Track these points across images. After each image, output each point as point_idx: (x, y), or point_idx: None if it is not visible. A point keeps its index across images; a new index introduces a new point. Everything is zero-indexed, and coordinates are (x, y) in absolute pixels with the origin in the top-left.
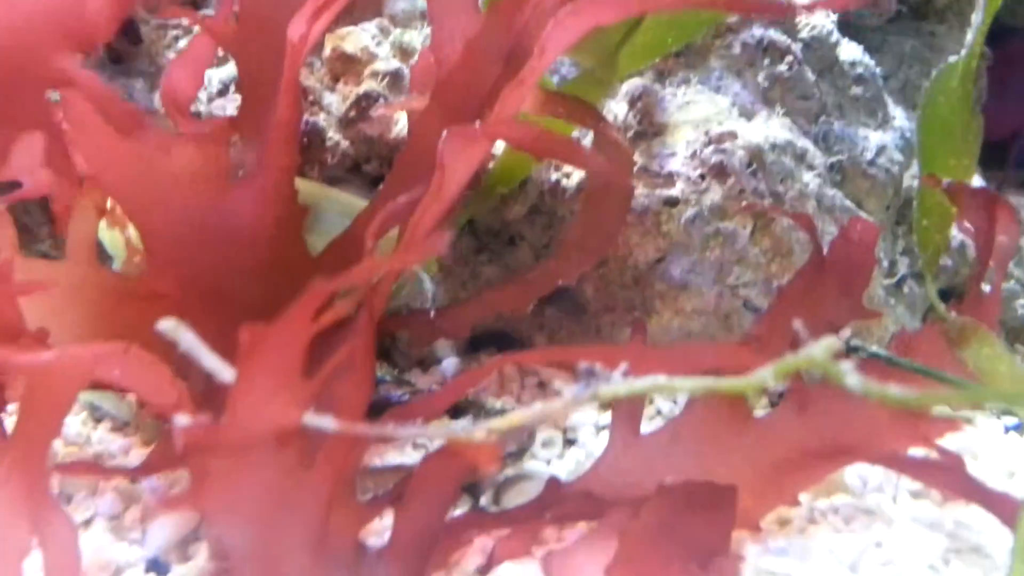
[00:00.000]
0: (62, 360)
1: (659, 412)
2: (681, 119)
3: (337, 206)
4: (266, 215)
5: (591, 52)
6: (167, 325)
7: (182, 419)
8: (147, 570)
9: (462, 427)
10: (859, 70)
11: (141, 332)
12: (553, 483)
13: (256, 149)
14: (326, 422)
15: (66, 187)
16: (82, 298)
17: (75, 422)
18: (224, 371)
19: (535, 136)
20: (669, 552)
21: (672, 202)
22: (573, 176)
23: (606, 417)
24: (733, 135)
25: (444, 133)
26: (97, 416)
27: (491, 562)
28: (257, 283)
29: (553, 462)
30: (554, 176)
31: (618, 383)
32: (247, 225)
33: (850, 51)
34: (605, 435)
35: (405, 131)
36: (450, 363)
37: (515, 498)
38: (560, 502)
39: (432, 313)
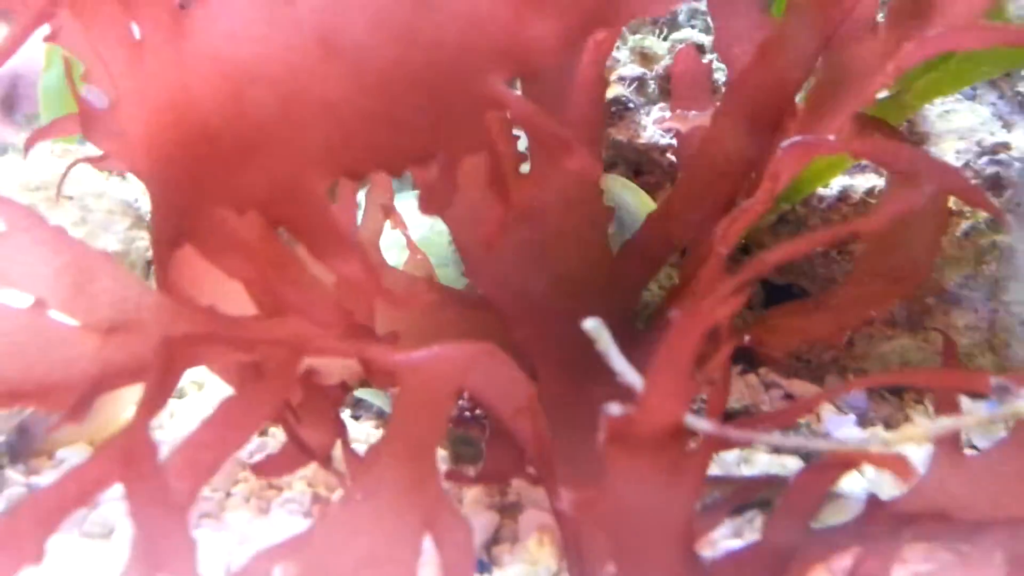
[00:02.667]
0: (438, 359)
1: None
2: (943, 128)
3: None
4: (572, 216)
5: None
6: (591, 324)
7: (615, 407)
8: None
9: (852, 440)
10: None
11: (466, 337)
12: (874, 502)
13: (555, 149)
14: (705, 424)
15: (500, 209)
16: (409, 303)
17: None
18: (633, 376)
19: (909, 157)
20: None
21: None
22: (832, 186)
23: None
24: (1007, 146)
25: (788, 142)
26: (356, 413)
27: None
28: (562, 280)
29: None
30: None
31: None
32: (553, 224)
33: None
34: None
35: (655, 136)
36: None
37: (832, 516)
38: (887, 522)
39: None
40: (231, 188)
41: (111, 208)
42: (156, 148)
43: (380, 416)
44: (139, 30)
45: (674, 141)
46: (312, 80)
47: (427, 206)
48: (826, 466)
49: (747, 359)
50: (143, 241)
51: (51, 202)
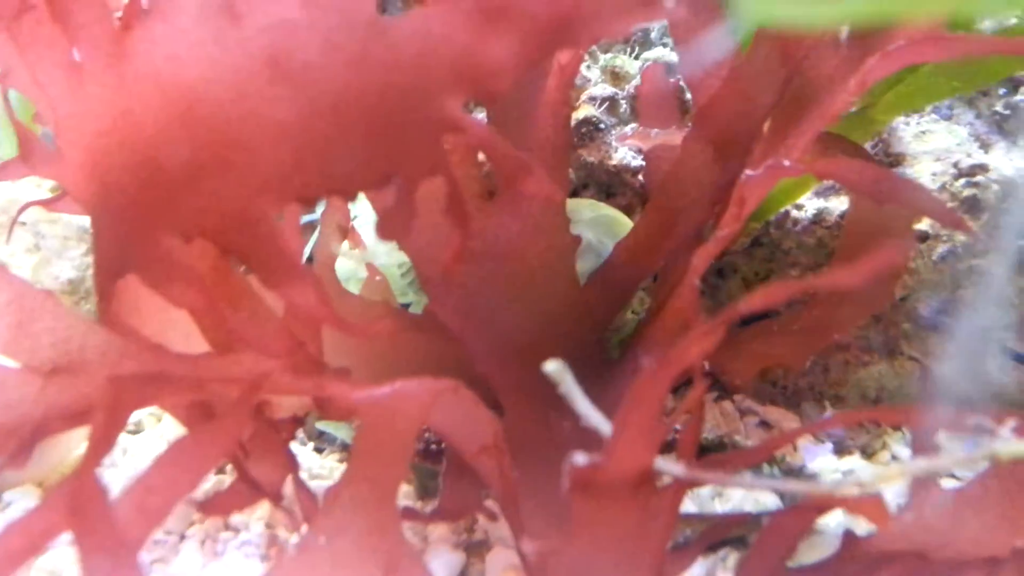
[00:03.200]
0: (401, 397)
1: (895, 458)
2: (919, 149)
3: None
4: (537, 244)
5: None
6: (553, 367)
7: (580, 457)
8: None
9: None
10: None
11: (425, 367)
12: (850, 539)
13: (514, 173)
14: (676, 468)
15: (458, 236)
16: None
17: (301, 451)
18: (600, 420)
19: (875, 177)
20: None
21: (921, 237)
22: (807, 208)
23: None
24: (984, 168)
25: (756, 170)
26: (319, 446)
27: None
28: (528, 311)
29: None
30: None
31: (1014, 443)
32: (517, 253)
33: None
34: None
35: (626, 157)
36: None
37: (808, 553)
38: (863, 560)
39: None
40: (177, 214)
41: (66, 234)
42: (97, 173)
43: (344, 449)
44: (78, 52)
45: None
46: (261, 103)
47: (385, 232)
48: (803, 509)
49: (721, 385)
50: None
51: (3, 228)
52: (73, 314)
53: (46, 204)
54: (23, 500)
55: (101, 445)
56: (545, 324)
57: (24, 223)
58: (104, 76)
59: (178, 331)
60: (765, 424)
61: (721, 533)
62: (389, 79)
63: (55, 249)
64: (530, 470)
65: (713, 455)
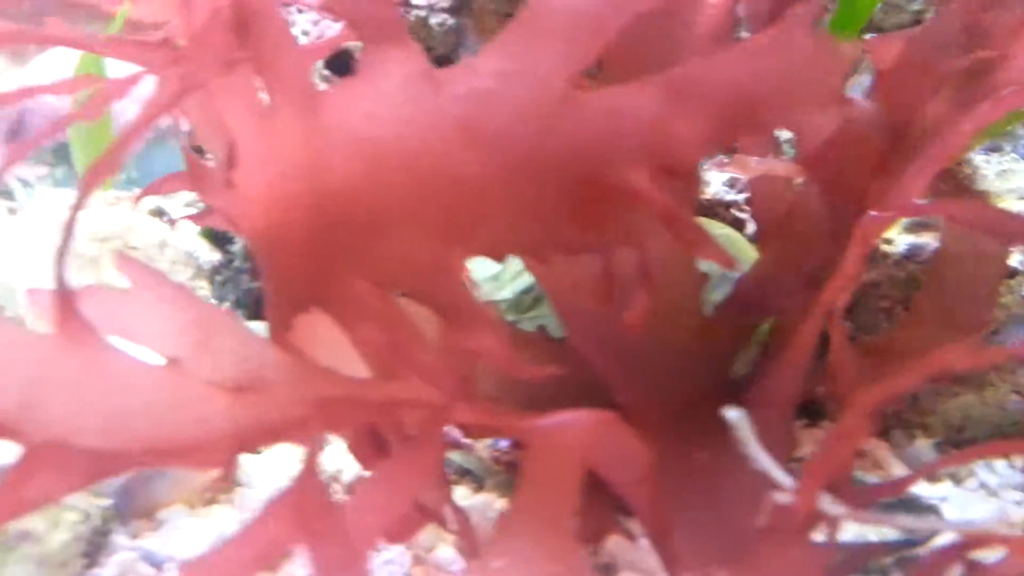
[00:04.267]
0: (568, 427)
1: (983, 485)
2: (1002, 188)
3: None
4: (670, 278)
5: None
6: (733, 415)
7: (783, 496)
8: None
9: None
10: None
11: (567, 397)
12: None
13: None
14: (839, 509)
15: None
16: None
17: None
18: (780, 475)
19: (992, 217)
20: None
21: (1010, 273)
22: (897, 243)
23: None
24: None
25: (879, 210)
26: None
27: None
28: (664, 348)
29: None
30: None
31: None
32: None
33: None
34: None
35: (719, 191)
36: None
37: None
38: None
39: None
40: (365, 259)
41: (174, 259)
42: (276, 211)
43: (460, 473)
44: (272, 99)
45: (738, 197)
46: (453, 162)
47: (587, 300)
48: (960, 546)
49: (809, 412)
50: (204, 291)
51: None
52: (251, 334)
53: (197, 219)
54: (177, 519)
55: (311, 462)
56: (675, 356)
57: (136, 247)
58: (296, 124)
59: (339, 355)
60: (858, 452)
61: (863, 561)
62: (577, 149)
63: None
64: (673, 502)
65: (842, 487)
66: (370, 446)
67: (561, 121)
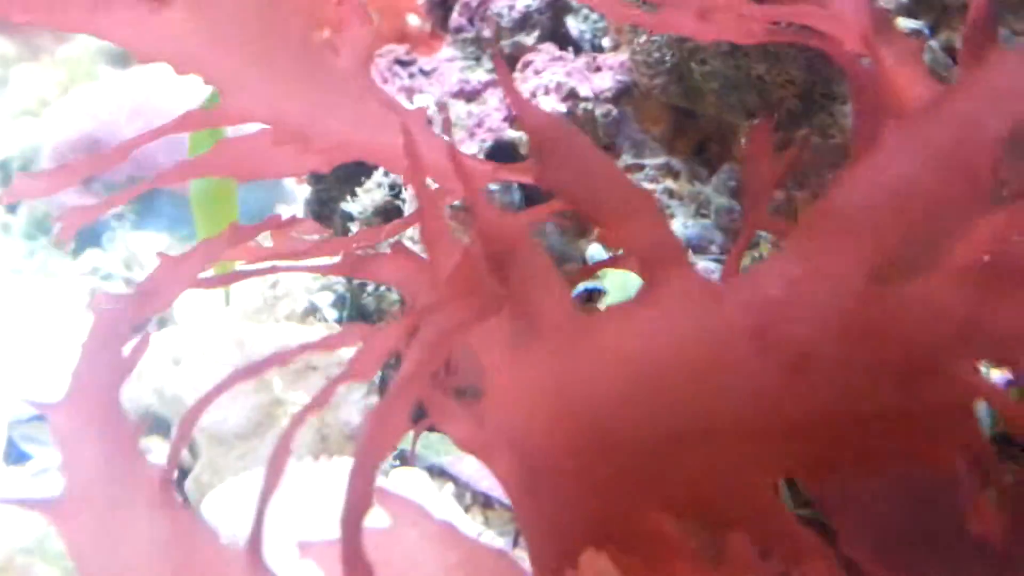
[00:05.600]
0: None
1: None
2: None
3: None
4: None
5: None
6: None
7: None
8: None
9: None
10: None
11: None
12: None
13: None
14: None
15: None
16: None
17: None
18: None
19: None
20: None
21: None
22: None
23: None
24: None
25: None
26: None
27: None
28: None
29: None
30: None
31: None
32: None
33: None
34: None
35: None
36: None
37: None
38: None
39: None
40: (656, 486)
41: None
42: (540, 440)
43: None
44: (529, 327)
45: None
46: (744, 375)
47: None
48: None
49: None
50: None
51: (297, 374)
52: (521, 572)
53: None
54: None
55: None
56: None
57: (316, 367)
58: (560, 351)
59: None
60: None
61: None
62: (884, 350)
63: (342, 394)
64: None
65: None
66: None
67: (864, 321)
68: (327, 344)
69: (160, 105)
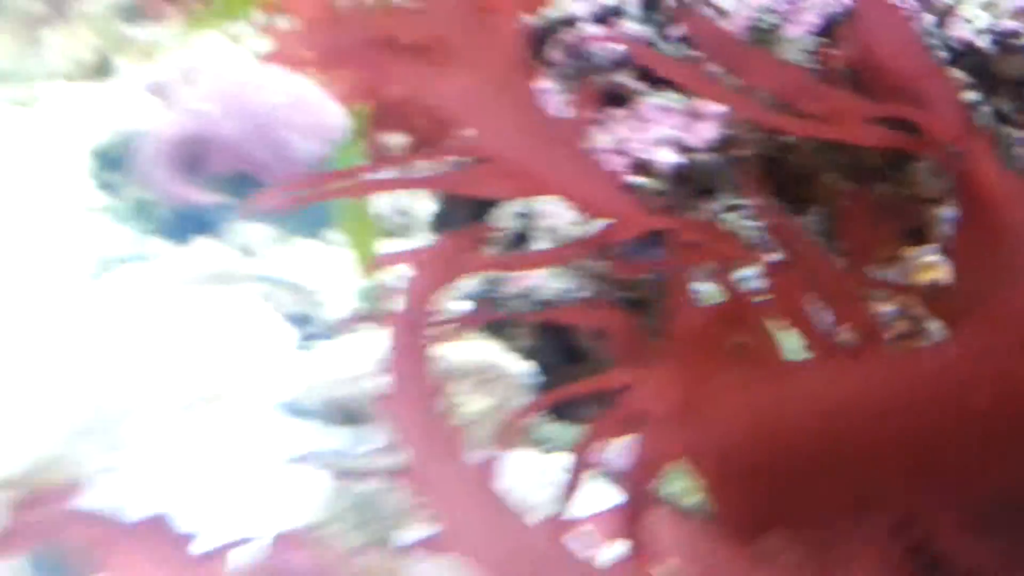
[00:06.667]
0: None
1: None
2: None
3: None
4: None
5: None
6: None
7: None
8: None
9: None
10: None
11: None
12: None
13: None
14: None
15: None
16: None
17: None
18: None
19: None
20: None
21: None
22: None
23: None
24: None
25: None
26: None
27: None
28: None
29: None
30: None
31: None
32: None
33: None
34: None
35: None
36: None
37: None
38: None
39: None
40: (817, 498)
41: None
42: (737, 448)
43: None
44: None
45: None
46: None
47: None
48: None
49: None
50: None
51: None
52: None
53: None
54: None
55: None
56: None
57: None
58: (758, 391)
59: None
60: None
61: None
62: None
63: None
64: None
65: None
66: None
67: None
68: None
69: (253, 99)
